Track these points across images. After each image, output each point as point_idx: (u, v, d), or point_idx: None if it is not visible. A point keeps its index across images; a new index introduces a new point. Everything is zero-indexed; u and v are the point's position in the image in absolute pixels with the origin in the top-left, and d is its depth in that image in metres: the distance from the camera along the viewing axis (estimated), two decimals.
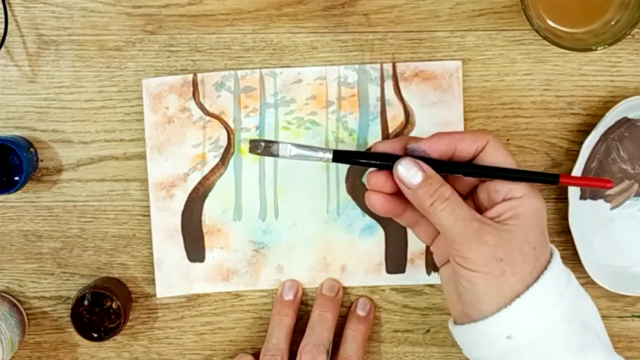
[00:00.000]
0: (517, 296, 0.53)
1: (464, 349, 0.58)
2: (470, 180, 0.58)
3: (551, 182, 0.57)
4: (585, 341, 0.54)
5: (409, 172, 0.55)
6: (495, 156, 0.56)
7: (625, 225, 0.72)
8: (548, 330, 0.53)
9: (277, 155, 0.58)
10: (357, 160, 0.58)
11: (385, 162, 0.57)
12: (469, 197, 0.59)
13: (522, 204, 0.54)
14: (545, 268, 0.54)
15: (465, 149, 0.56)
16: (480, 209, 0.57)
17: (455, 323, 0.58)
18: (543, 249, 0.55)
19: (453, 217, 0.54)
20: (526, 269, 0.53)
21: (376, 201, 0.57)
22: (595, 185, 0.57)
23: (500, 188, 0.55)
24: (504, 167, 0.56)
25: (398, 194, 0.58)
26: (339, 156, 0.58)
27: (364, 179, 0.71)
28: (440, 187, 0.54)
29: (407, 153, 0.57)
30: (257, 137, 0.60)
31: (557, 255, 0.56)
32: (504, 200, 0.55)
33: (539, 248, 0.54)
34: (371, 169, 0.59)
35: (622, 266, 0.72)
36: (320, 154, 0.58)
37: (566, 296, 0.54)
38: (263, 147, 0.59)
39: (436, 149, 0.56)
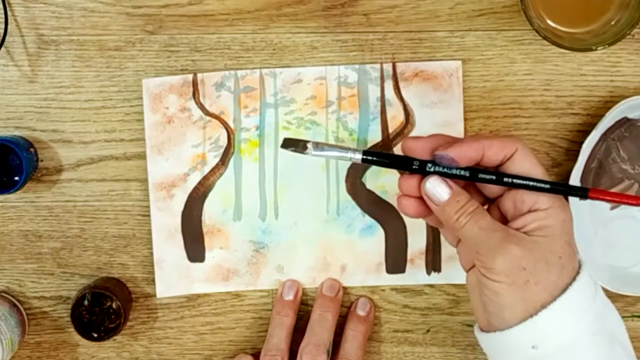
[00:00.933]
0: (543, 306, 0.53)
1: (490, 356, 0.58)
2: (497, 188, 0.58)
3: (580, 196, 0.56)
4: (612, 354, 0.54)
5: (436, 190, 0.56)
6: (524, 165, 0.55)
7: (625, 225, 0.72)
8: (575, 342, 0.53)
9: (307, 153, 0.59)
10: (384, 162, 0.58)
11: (411, 165, 0.57)
12: (495, 202, 0.59)
13: (548, 215, 0.54)
14: (574, 279, 0.54)
15: (492, 156, 0.55)
16: (505, 217, 0.57)
17: (482, 330, 0.58)
18: (569, 258, 0.54)
19: (476, 227, 0.54)
20: (551, 278, 0.53)
21: (408, 206, 0.58)
22: (627, 203, 0.56)
23: (527, 199, 0.55)
24: (531, 176, 0.55)
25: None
26: (368, 156, 0.58)
27: (364, 179, 0.71)
28: (466, 203, 0.55)
29: (435, 159, 0.57)
30: (292, 137, 0.60)
31: (584, 265, 0.56)
32: (529, 211, 0.55)
33: (564, 257, 0.54)
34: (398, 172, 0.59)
35: (622, 266, 0.72)
36: (350, 154, 0.58)
37: (593, 309, 0.54)
38: (297, 145, 0.59)
39: (464, 156, 0.55)
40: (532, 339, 0.53)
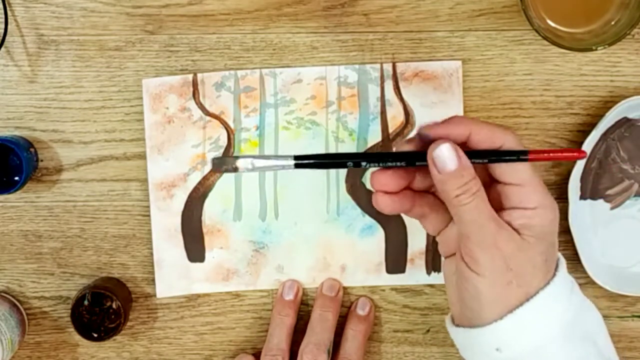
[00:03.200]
0: (519, 306, 0.52)
1: (460, 349, 0.58)
2: (483, 177, 0.54)
3: (519, 160, 0.52)
4: (582, 358, 0.53)
5: (445, 157, 0.51)
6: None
7: (625, 225, 0.72)
8: (541, 348, 0.52)
9: (237, 171, 0.55)
10: (317, 164, 0.54)
11: (346, 164, 0.54)
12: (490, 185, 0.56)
13: (537, 215, 0.52)
14: (548, 283, 0.53)
15: (479, 142, 0.52)
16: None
17: (454, 322, 0.57)
18: (552, 260, 0.54)
19: (476, 212, 0.51)
20: (534, 282, 0.52)
21: (384, 202, 0.55)
22: (567, 158, 0.55)
23: (511, 196, 0.53)
24: (515, 171, 0.53)
25: (405, 191, 0.56)
26: (300, 160, 0.54)
27: (364, 179, 0.71)
28: (470, 181, 0.51)
29: (420, 134, 0.54)
30: (220, 157, 0.57)
31: (562, 265, 0.55)
32: (514, 207, 0.53)
33: (549, 260, 0.53)
34: (373, 169, 0.56)
35: (622, 266, 0.72)
36: (282, 162, 0.54)
37: (566, 310, 0.53)
38: (226, 165, 0.55)
39: (449, 135, 0.52)
40: (497, 341, 0.52)
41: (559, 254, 0.55)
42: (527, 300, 0.51)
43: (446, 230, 0.57)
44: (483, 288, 0.51)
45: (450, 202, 0.52)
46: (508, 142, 0.52)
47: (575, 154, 0.53)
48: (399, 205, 0.55)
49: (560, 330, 0.52)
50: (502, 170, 0.53)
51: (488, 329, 0.52)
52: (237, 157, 0.54)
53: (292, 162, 0.53)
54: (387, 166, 0.53)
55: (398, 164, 0.53)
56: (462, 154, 0.51)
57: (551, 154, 0.53)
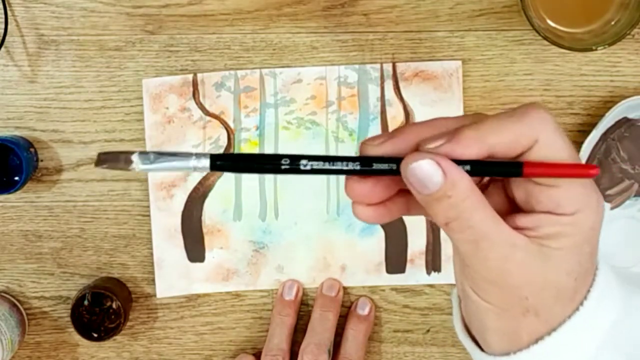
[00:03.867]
0: (537, 339, 0.40)
1: (469, 352, 0.47)
2: None
3: (513, 174, 0.39)
4: None
5: (423, 174, 0.38)
6: (547, 154, 0.38)
7: (625, 225, 0.72)
8: None
9: (131, 169, 0.42)
10: (239, 166, 0.41)
11: (280, 165, 0.40)
12: (502, 181, 0.42)
13: (575, 222, 0.38)
14: (581, 303, 0.40)
15: (503, 154, 0.38)
16: (510, 205, 0.41)
17: (463, 320, 0.44)
18: (586, 275, 0.40)
19: (473, 246, 0.38)
20: (557, 308, 0.39)
21: (365, 214, 0.41)
22: (575, 175, 0.38)
23: (544, 200, 0.38)
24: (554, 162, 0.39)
25: (394, 197, 0.42)
26: (219, 161, 0.40)
27: None
28: (463, 201, 0.38)
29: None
30: (109, 151, 0.42)
31: (600, 275, 0.41)
32: (548, 212, 0.39)
33: (580, 278, 0.39)
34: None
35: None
36: (193, 162, 0.41)
37: (599, 333, 0.40)
38: (117, 160, 0.42)
39: (461, 157, 0.38)
40: None
41: (598, 261, 0.41)
42: (548, 334, 0.40)
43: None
44: (491, 315, 0.40)
45: (442, 227, 0.40)
46: (541, 140, 0.38)
47: (584, 171, 0.38)
48: (387, 215, 0.42)
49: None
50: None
51: None
52: (133, 152, 0.42)
53: (207, 162, 0.41)
54: (335, 170, 0.40)
55: (350, 165, 0.40)
56: (448, 165, 0.38)
57: (554, 170, 0.38)
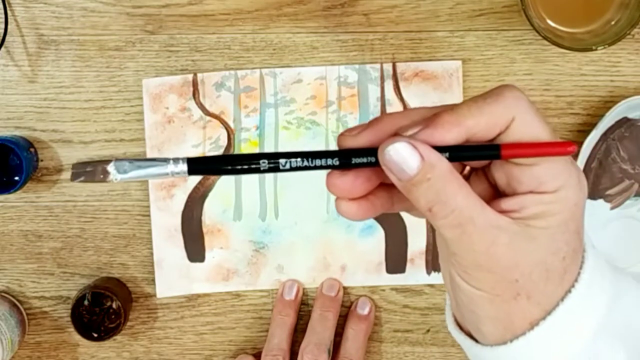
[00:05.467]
0: (532, 324, 0.39)
1: (463, 349, 0.47)
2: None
3: (492, 156, 0.39)
4: None
5: (401, 159, 0.38)
6: (525, 133, 0.38)
7: (625, 225, 0.72)
8: None
9: (110, 181, 0.41)
10: (217, 168, 0.41)
11: (259, 167, 0.40)
12: (483, 169, 0.42)
13: (557, 199, 0.38)
14: (573, 285, 0.40)
15: (481, 137, 0.39)
16: (493, 191, 0.41)
17: (455, 318, 0.44)
18: (575, 255, 0.40)
19: (458, 230, 0.38)
20: (548, 289, 0.39)
21: (349, 211, 0.41)
22: (554, 153, 0.38)
23: (526, 180, 0.39)
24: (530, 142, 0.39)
25: (376, 191, 0.42)
26: (196, 165, 0.40)
27: None
28: (444, 184, 0.38)
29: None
30: (83, 161, 0.43)
31: (589, 258, 0.40)
32: (530, 192, 0.39)
33: (569, 256, 0.39)
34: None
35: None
36: (170, 168, 0.40)
37: (594, 317, 0.40)
38: (95, 172, 0.41)
39: (439, 142, 0.39)
40: None
41: (586, 242, 0.41)
42: (543, 318, 0.39)
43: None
44: (482, 303, 0.40)
45: (425, 215, 0.39)
46: (518, 117, 0.38)
47: (562, 148, 0.38)
48: (371, 210, 0.42)
49: (585, 346, 0.41)
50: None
51: (495, 352, 0.41)
52: (109, 161, 0.41)
53: (184, 167, 0.40)
54: (314, 166, 0.40)
55: (329, 161, 0.40)
56: (425, 149, 0.38)
57: (531, 150, 0.39)
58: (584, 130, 0.70)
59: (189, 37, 0.70)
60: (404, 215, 0.71)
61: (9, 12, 0.69)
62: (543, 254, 0.39)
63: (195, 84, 0.70)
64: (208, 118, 0.71)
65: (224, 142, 0.71)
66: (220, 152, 0.71)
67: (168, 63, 0.70)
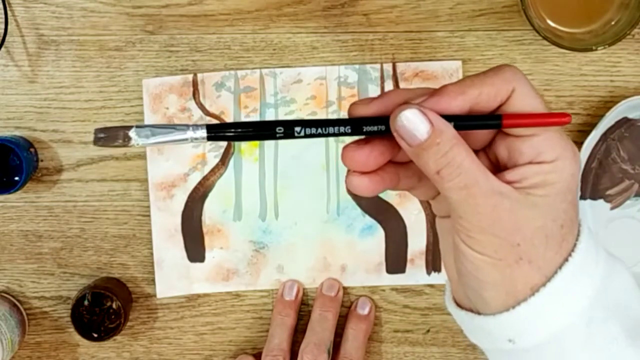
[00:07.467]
0: (532, 289, 0.42)
1: (465, 331, 0.49)
2: (484, 131, 0.45)
3: (494, 126, 0.43)
4: (607, 343, 0.44)
5: (411, 122, 0.41)
6: (523, 105, 0.43)
7: (625, 225, 0.72)
8: (560, 333, 0.43)
9: (131, 145, 0.43)
10: (236, 134, 0.42)
11: (275, 133, 0.41)
12: (484, 149, 0.46)
13: (554, 169, 0.42)
14: (569, 254, 0.43)
15: (484, 106, 0.43)
16: (496, 165, 0.45)
17: (454, 299, 0.47)
18: (572, 224, 0.43)
19: (464, 192, 0.41)
20: (548, 254, 0.42)
21: (361, 185, 0.44)
22: (550, 123, 0.43)
23: (525, 150, 0.42)
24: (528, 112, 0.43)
25: (386, 166, 0.45)
26: (214, 131, 0.42)
27: None
28: (452, 148, 0.41)
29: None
30: (106, 127, 0.42)
31: (584, 232, 0.44)
32: (530, 162, 0.43)
33: (567, 225, 0.43)
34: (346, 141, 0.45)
35: None
36: (190, 133, 0.42)
37: (592, 286, 0.43)
38: (116, 137, 0.43)
39: (447, 110, 0.42)
40: (509, 332, 0.44)
41: (580, 218, 0.45)
42: (543, 284, 0.42)
43: (440, 196, 0.48)
44: (486, 267, 0.42)
45: (432, 179, 0.42)
46: (517, 89, 0.42)
47: (558, 119, 0.42)
48: (381, 185, 0.44)
49: (583, 312, 0.43)
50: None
51: (497, 319, 0.43)
52: (131, 127, 0.42)
53: (204, 133, 0.42)
54: (326, 134, 0.42)
55: (342, 129, 0.42)
56: (434, 116, 0.41)
57: (530, 120, 0.43)
58: (584, 130, 0.70)
59: (189, 37, 0.70)
60: (404, 215, 0.71)
61: (9, 12, 0.69)
62: (543, 221, 0.42)
63: (195, 84, 0.70)
64: (208, 118, 0.71)
65: (223, 142, 0.71)
66: (220, 152, 0.71)
67: (168, 63, 0.70)
